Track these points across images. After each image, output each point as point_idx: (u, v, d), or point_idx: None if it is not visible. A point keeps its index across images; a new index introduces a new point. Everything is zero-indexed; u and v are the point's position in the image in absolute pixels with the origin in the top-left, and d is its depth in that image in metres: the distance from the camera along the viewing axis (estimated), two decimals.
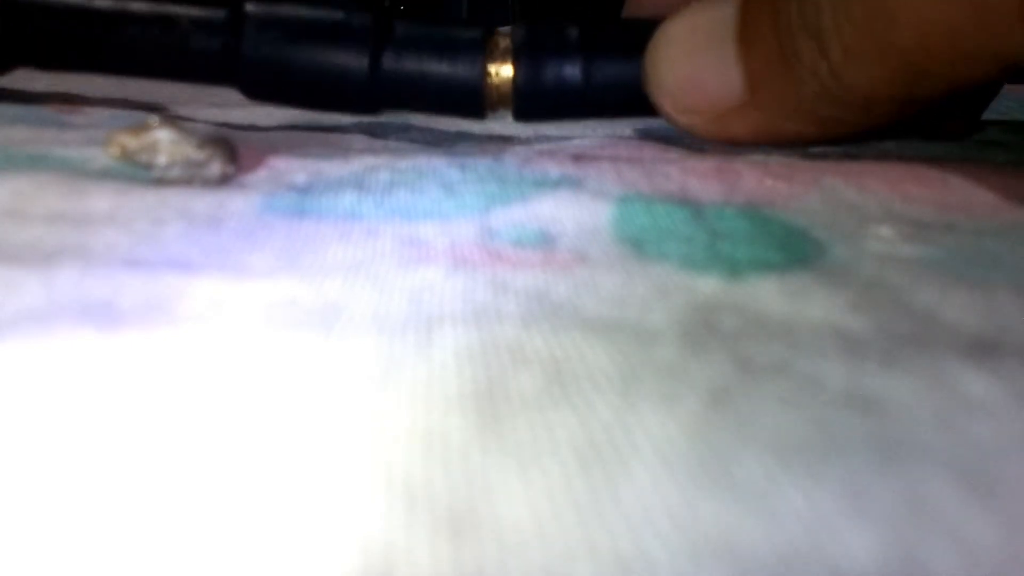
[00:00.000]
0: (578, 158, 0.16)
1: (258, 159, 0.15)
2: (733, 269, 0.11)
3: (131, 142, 0.14)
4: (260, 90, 0.18)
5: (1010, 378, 0.08)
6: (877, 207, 0.13)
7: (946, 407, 0.08)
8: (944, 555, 0.06)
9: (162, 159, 0.14)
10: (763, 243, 0.12)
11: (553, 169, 0.15)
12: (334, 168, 0.15)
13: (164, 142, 0.14)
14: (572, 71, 0.17)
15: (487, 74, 0.17)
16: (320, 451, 0.07)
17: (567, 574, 0.06)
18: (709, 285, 0.11)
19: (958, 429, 0.08)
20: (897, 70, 0.14)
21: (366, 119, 0.19)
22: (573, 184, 0.14)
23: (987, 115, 0.20)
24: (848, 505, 0.07)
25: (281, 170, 0.15)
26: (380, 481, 0.07)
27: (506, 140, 0.18)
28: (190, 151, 0.14)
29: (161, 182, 0.13)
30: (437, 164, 0.15)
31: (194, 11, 0.17)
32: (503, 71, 0.17)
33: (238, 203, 0.13)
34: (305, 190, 0.14)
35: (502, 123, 0.18)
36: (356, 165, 0.15)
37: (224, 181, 0.14)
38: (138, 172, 0.14)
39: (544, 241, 0.12)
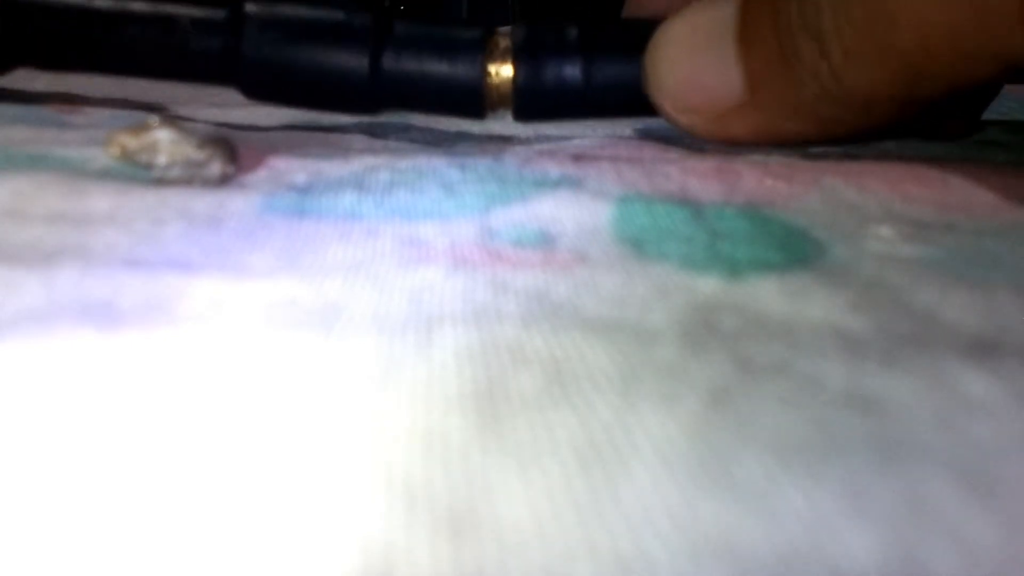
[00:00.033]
0: (578, 158, 0.16)
1: (258, 159, 0.15)
2: (733, 269, 0.11)
3: (131, 142, 0.14)
4: (260, 90, 0.18)
5: (1010, 378, 0.08)
6: (877, 207, 0.13)
7: (946, 407, 0.08)
8: (944, 555, 0.06)
9: (162, 159, 0.14)
10: (763, 243, 0.12)
11: (553, 169, 0.15)
12: (334, 168, 0.15)
13: (164, 142, 0.14)
14: (572, 71, 0.17)
15: (487, 74, 0.17)
16: (320, 451, 0.07)
17: (567, 574, 0.06)
18: (709, 285, 0.11)
19: (958, 429, 0.08)
20: (897, 71, 0.14)
21: (366, 119, 0.19)
22: (573, 184, 0.14)
23: (987, 115, 0.20)
24: (848, 505, 0.07)
25: (281, 170, 0.15)
26: (380, 481, 0.07)
27: (506, 140, 0.18)
28: (190, 151, 0.14)
29: (161, 182, 0.13)
30: (437, 164, 0.15)
31: (194, 11, 0.17)
32: (503, 71, 0.17)
33: (238, 203, 0.13)
34: (305, 190, 0.14)
35: (502, 123, 0.18)
36: (356, 165, 0.15)
37: (224, 181, 0.14)
38: (138, 172, 0.14)
39: (544, 241, 0.12)
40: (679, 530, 0.06)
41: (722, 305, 0.10)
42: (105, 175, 0.14)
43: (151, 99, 0.21)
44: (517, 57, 0.17)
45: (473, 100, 0.17)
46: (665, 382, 0.08)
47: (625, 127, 0.20)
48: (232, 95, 0.18)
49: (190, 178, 0.14)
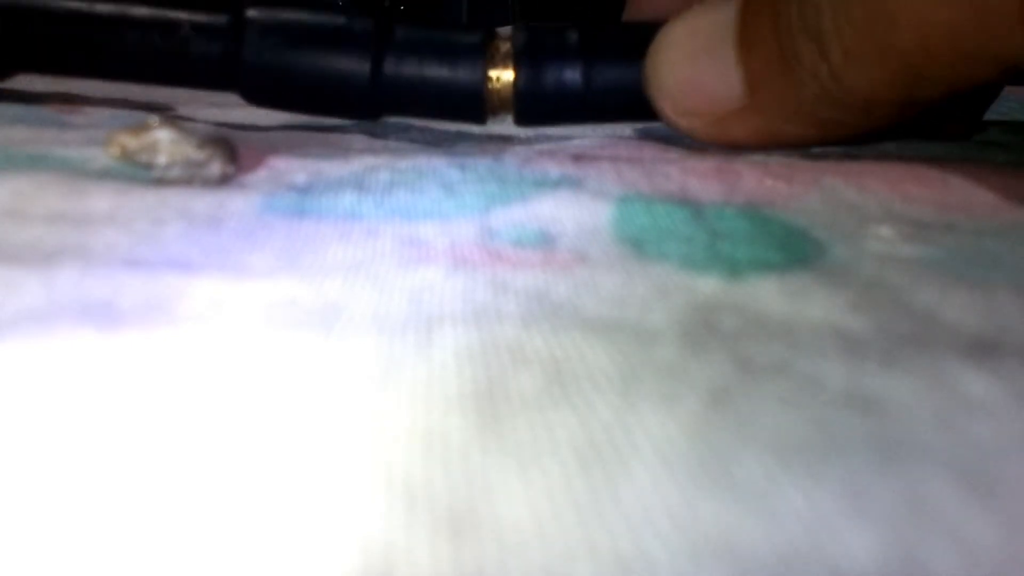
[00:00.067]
0: (578, 158, 0.16)
1: (258, 159, 0.15)
2: (733, 269, 0.11)
3: (131, 142, 0.14)
4: (261, 96, 0.18)
5: (1010, 378, 0.08)
6: (877, 207, 0.13)
7: (946, 407, 0.08)
8: (944, 555, 0.06)
9: (162, 159, 0.14)
10: (763, 243, 0.12)
11: (553, 169, 0.15)
12: (334, 168, 0.15)
13: (164, 142, 0.14)
14: (573, 75, 0.17)
15: (488, 79, 0.17)
16: (320, 451, 0.07)
17: (567, 574, 0.06)
18: (709, 285, 0.11)
19: (958, 429, 0.08)
20: (897, 72, 0.14)
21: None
22: (573, 184, 0.14)
23: (988, 116, 0.20)
24: (848, 505, 0.07)
25: (281, 170, 0.15)
26: (380, 481, 0.07)
27: (506, 140, 0.18)
28: (190, 151, 0.14)
29: (161, 182, 0.13)
30: (437, 164, 0.15)
31: (195, 16, 0.17)
32: (504, 76, 0.17)
33: (238, 203, 0.13)
34: (305, 190, 0.14)
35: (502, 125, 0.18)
36: (356, 165, 0.15)
37: (224, 181, 0.14)
38: (138, 172, 0.14)
39: (544, 241, 0.12)
40: (679, 530, 0.06)
41: (722, 305, 0.10)
42: (105, 175, 0.14)
43: (151, 99, 0.21)
44: (518, 61, 0.17)
45: (474, 105, 0.17)
46: (665, 382, 0.08)
47: (625, 127, 0.20)
48: (232, 95, 0.18)
49: (190, 178, 0.14)
